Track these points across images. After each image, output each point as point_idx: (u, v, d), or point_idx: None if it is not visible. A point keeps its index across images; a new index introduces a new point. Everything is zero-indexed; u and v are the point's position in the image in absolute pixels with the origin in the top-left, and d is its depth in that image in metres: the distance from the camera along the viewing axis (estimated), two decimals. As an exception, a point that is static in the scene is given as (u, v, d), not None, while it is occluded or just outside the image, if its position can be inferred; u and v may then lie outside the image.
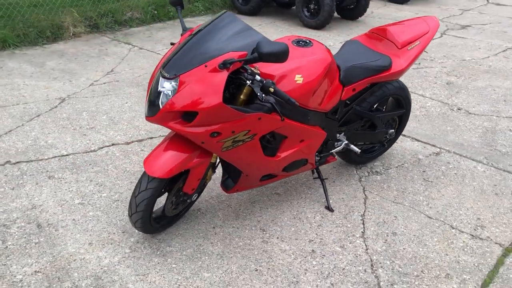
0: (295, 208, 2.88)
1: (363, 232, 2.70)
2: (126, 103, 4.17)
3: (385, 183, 3.19)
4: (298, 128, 2.46)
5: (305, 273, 2.38)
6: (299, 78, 2.38)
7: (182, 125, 2.13)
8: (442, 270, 2.46)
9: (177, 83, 2.09)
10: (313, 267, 2.43)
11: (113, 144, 3.48)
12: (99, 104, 4.13)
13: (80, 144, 3.46)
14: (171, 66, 2.14)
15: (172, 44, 2.48)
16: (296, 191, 3.05)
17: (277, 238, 2.62)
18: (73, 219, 2.68)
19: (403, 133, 3.81)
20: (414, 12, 8.30)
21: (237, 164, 2.41)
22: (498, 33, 7.21)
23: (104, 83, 4.60)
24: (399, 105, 3.20)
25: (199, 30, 2.23)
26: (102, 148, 3.43)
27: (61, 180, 3.02)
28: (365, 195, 3.05)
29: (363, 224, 2.77)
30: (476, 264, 2.51)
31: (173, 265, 2.38)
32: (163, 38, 6.15)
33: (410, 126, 4.01)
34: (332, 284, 2.33)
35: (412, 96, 4.59)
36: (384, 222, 2.80)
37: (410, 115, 4.14)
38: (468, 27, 7.49)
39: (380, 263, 2.48)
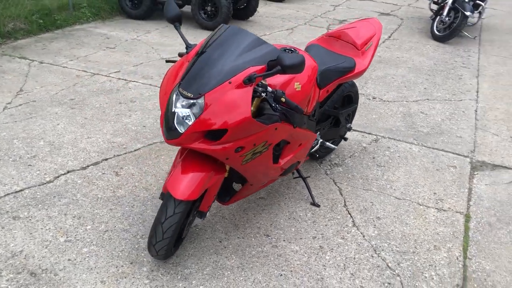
0: (285, 209, 2.99)
1: (353, 222, 2.93)
2: (58, 124, 3.84)
3: (348, 173, 3.47)
4: (300, 133, 2.58)
5: (325, 269, 2.53)
6: (298, 86, 2.49)
7: (208, 144, 2.11)
8: (429, 243, 2.80)
9: (203, 102, 2.06)
10: (328, 261, 2.58)
11: (68, 172, 3.21)
12: (27, 129, 3.73)
13: (30, 176, 3.11)
14: (191, 85, 2.10)
15: (180, 55, 2.41)
16: (278, 193, 3.16)
17: (284, 240, 2.72)
18: (69, 259, 2.45)
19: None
20: (295, 10, 8.83)
21: (248, 175, 2.44)
22: (371, 25, 8.04)
23: (20, 105, 4.15)
24: (350, 100, 3.49)
25: (207, 46, 2.21)
26: (58, 177, 3.14)
27: (30, 219, 2.72)
28: (338, 186, 3.28)
29: (350, 214, 3.00)
30: (451, 233, 2.91)
31: (201, 286, 2.34)
32: (61, 49, 5.69)
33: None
34: (352, 274, 2.51)
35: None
36: (365, 209, 3.06)
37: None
38: (345, 21, 8.22)
39: (380, 246, 2.73)
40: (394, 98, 4.95)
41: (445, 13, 7.16)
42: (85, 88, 4.59)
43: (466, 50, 7.03)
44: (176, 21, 2.38)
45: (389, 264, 2.60)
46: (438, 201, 3.22)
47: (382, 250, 2.71)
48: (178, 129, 2.10)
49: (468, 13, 6.77)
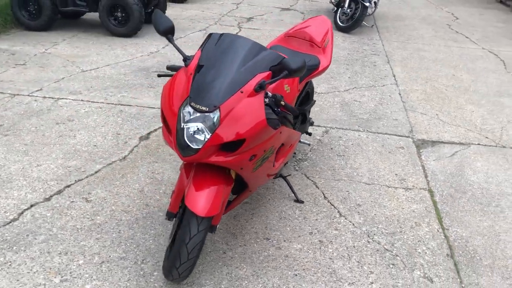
0: (273, 210, 3.02)
1: (339, 212, 3.06)
2: (-4, 155, 3.45)
3: (315, 166, 3.60)
4: (292, 134, 2.63)
5: (333, 261, 2.62)
6: (287, 88, 2.54)
7: (225, 156, 2.08)
8: (410, 221, 3.03)
9: (219, 114, 2.02)
10: (333, 254, 2.68)
11: (32, 205, 2.91)
12: (-39, 164, 3.30)
13: (-12, 217, 2.78)
14: (203, 98, 2.04)
15: (170, 68, 2.31)
16: (260, 195, 3.18)
17: (284, 241, 2.76)
18: (73, 301, 2.25)
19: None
20: (199, 10, 8.78)
21: (253, 181, 2.43)
22: (277, 21, 8.31)
23: None
24: (309, 97, 3.61)
25: (209, 57, 2.17)
26: (22, 213, 2.84)
27: (10, 265, 2.43)
28: (312, 180, 3.39)
29: (332, 205, 3.12)
30: (424, 209, 3.17)
31: (225, 301, 2.30)
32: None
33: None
34: (358, 261, 2.63)
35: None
36: (344, 198, 3.21)
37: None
38: (252, 19, 8.38)
39: (372, 231, 2.90)
40: (327, 90, 5.19)
41: (346, 5, 7.63)
42: (10, 111, 4.15)
43: (369, 38, 7.57)
44: (169, 33, 2.28)
45: (385, 247, 2.76)
46: (402, 181, 3.47)
47: (374, 234, 2.87)
48: (191, 145, 2.03)
49: (367, 4, 7.29)
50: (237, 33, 7.11)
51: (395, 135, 4.21)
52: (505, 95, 5.39)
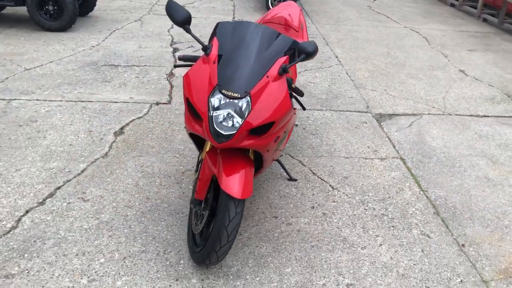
0: (272, 190, 3.15)
1: (331, 186, 3.27)
2: (-35, 163, 3.22)
3: (295, 146, 3.77)
4: (294, 115, 2.77)
5: (341, 230, 2.82)
6: (290, 72, 2.67)
7: (256, 139, 2.18)
8: (394, 187, 3.31)
9: (250, 99, 2.10)
10: (338, 222, 2.88)
11: (27, 211, 2.79)
12: None
13: (-16, 228, 2.63)
14: (233, 85, 2.11)
15: (175, 66, 2.34)
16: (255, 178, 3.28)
17: (292, 217, 2.91)
18: (110, 298, 2.24)
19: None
20: (127, 1, 8.51)
21: (269, 162, 2.53)
22: (209, 8, 8.32)
23: None
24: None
25: (230, 45, 2.23)
26: (20, 220, 2.71)
27: (28, 272, 2.34)
28: (297, 159, 3.57)
29: (323, 180, 3.32)
30: (402, 175, 3.47)
31: (257, 278, 2.41)
32: None
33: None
34: (363, 227, 2.86)
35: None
36: (331, 173, 3.42)
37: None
38: (184, 6, 8.29)
39: (365, 199, 3.14)
40: (280, 73, 5.35)
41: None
42: (-40, 117, 3.85)
43: (303, 22, 7.85)
44: (186, 24, 2.29)
45: (381, 212, 3.02)
46: (375, 152, 3.76)
47: (368, 202, 3.11)
48: (221, 131, 2.10)
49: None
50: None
51: (355, 111, 4.50)
52: (436, 68, 5.92)
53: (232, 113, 2.10)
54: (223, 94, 2.09)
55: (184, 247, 2.57)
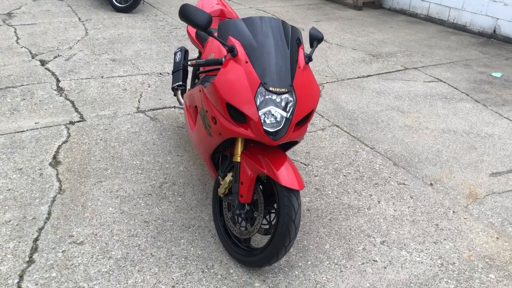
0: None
1: (302, 163, 3.45)
2: None
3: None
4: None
5: (340, 198, 3.05)
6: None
7: (300, 130, 2.26)
8: (349, 150, 3.66)
9: (294, 92, 2.16)
10: (333, 193, 3.10)
11: (21, 276, 2.35)
12: None
13: None
14: (276, 81, 2.13)
15: (190, 61, 2.23)
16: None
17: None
18: None
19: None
20: None
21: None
22: (44, 11, 7.50)
23: None
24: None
25: (249, 43, 2.21)
26: (20, 286, 2.28)
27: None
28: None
29: (293, 159, 3.49)
30: (347, 139, 3.84)
31: (305, 259, 2.50)
32: None
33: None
34: (355, 191, 3.13)
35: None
36: (294, 151, 3.60)
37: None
38: (12, 13, 7.32)
39: (337, 167, 3.41)
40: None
41: (120, -15, 7.45)
42: None
43: (154, 14, 7.64)
44: (209, 26, 2.16)
45: (357, 174, 3.32)
46: (313, 125, 4.05)
47: (341, 169, 3.39)
48: (272, 128, 2.11)
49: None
50: (15, 31, 6.16)
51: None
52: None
53: (279, 110, 2.10)
54: (270, 91, 2.08)
55: (221, 257, 2.49)
